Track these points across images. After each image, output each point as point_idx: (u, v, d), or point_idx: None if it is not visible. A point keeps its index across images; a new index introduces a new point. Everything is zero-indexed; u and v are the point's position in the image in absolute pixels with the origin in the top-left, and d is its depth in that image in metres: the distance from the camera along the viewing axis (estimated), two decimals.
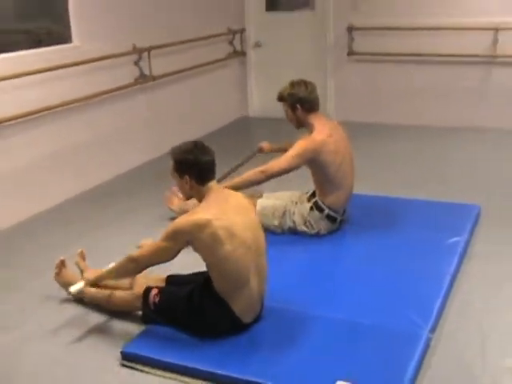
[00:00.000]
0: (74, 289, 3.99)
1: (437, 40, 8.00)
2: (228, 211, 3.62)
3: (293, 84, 4.97)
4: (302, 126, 5.00)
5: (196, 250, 3.65)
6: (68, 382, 3.48)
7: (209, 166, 3.69)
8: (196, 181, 3.65)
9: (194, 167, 3.64)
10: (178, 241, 3.61)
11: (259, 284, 3.74)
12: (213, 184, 3.71)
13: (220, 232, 3.52)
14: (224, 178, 5.46)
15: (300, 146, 4.87)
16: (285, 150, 5.26)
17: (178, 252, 3.68)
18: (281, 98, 4.98)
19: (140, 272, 3.85)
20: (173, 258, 3.70)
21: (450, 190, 6.03)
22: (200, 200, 3.70)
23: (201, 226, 3.52)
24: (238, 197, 3.84)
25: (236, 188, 4.53)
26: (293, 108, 4.93)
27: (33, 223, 5.59)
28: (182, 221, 3.61)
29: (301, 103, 4.90)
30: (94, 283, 4.15)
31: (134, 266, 3.77)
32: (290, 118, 5.00)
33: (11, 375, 3.55)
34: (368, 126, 7.95)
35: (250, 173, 4.87)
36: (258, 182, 4.89)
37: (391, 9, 8.13)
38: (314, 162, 4.88)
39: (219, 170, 3.84)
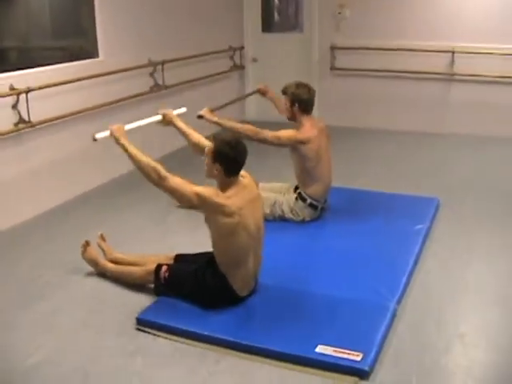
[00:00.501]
0: (98, 136, 3.78)
1: (405, 59, 8.00)
2: (247, 206, 3.57)
3: (298, 85, 4.94)
4: (294, 120, 4.96)
5: (208, 222, 3.61)
6: (93, 341, 3.49)
7: (241, 164, 3.61)
8: (224, 172, 3.56)
9: (229, 162, 3.55)
10: (200, 202, 3.50)
11: (255, 264, 3.74)
12: (236, 177, 3.63)
13: (237, 226, 3.51)
14: (220, 107, 5.51)
15: (291, 132, 4.85)
16: (275, 103, 5.40)
17: (191, 207, 3.63)
18: (284, 92, 4.94)
19: (153, 183, 3.60)
20: (184, 204, 3.69)
21: (415, 185, 6.04)
22: (221, 186, 3.61)
23: (225, 212, 3.48)
24: (253, 188, 3.76)
25: (227, 127, 4.66)
26: (291, 104, 4.90)
27: (62, 209, 5.57)
28: (216, 196, 3.50)
29: (299, 103, 4.88)
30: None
31: (154, 177, 3.55)
32: (287, 110, 4.96)
33: (48, 335, 3.56)
34: (346, 130, 7.94)
35: (246, 126, 4.78)
36: (246, 137, 4.68)
37: (368, 32, 8.12)
38: (296, 150, 4.88)
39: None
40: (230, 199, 3.52)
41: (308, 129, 4.88)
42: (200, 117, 4.83)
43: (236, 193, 3.57)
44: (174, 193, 3.56)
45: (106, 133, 3.75)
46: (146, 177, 3.60)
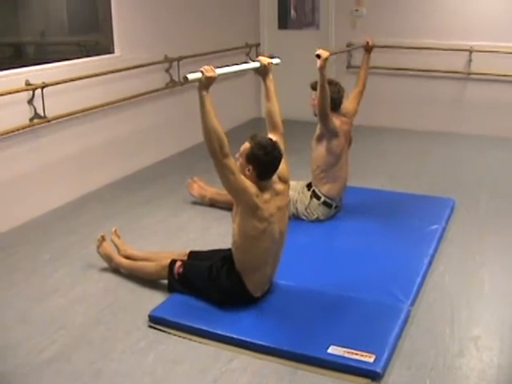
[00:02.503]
0: (191, 76, 3.39)
1: (422, 57, 7.97)
2: (276, 213, 3.56)
3: (330, 82, 4.87)
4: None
5: (235, 219, 3.56)
6: (106, 337, 3.51)
7: (274, 169, 3.57)
8: (256, 175, 3.51)
9: (262, 166, 3.50)
10: (242, 195, 3.43)
11: (272, 268, 3.74)
12: (268, 181, 3.57)
13: (263, 231, 3.50)
14: (338, 52, 5.91)
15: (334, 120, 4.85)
16: (364, 67, 5.61)
17: (230, 193, 3.51)
18: (314, 88, 4.85)
19: (209, 150, 3.35)
20: (227, 188, 3.47)
21: (430, 185, 6.00)
22: None
23: (257, 216, 3.47)
24: (286, 196, 3.72)
25: (321, 80, 4.57)
26: None
27: (76, 204, 5.59)
28: (256, 197, 3.44)
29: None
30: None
31: (216, 147, 3.33)
32: (314, 105, 4.89)
33: (61, 330, 3.57)
34: (361, 129, 7.85)
35: (329, 90, 4.69)
36: (326, 102, 4.66)
37: (385, 30, 8.08)
38: (324, 140, 4.88)
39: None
40: (266, 204, 3.50)
41: (338, 125, 4.90)
42: (318, 56, 4.64)
43: (270, 199, 3.55)
44: (226, 174, 3.39)
45: (198, 74, 3.40)
46: (207, 142, 3.36)
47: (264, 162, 3.50)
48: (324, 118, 4.77)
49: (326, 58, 4.64)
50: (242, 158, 3.54)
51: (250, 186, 3.47)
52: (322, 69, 4.60)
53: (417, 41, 7.92)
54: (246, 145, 3.55)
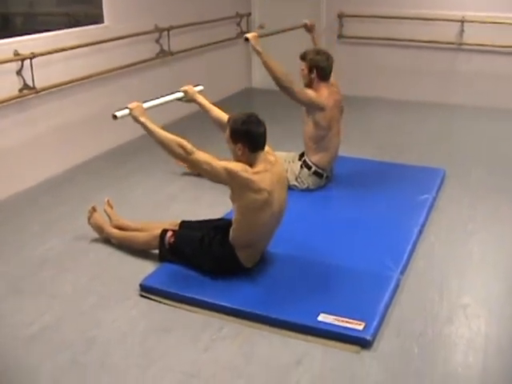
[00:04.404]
0: (119, 113, 3.60)
1: (414, 27, 7.93)
2: (275, 185, 3.54)
3: (318, 52, 4.90)
4: (310, 86, 4.90)
5: (233, 199, 3.57)
6: (97, 306, 3.53)
7: (260, 136, 3.55)
8: (248, 149, 3.51)
9: (247, 137, 3.50)
10: (229, 178, 3.42)
11: (266, 242, 3.76)
12: (262, 153, 3.57)
13: (264, 203, 3.48)
14: (267, 35, 5.60)
15: (312, 94, 4.83)
16: (314, 42, 5.42)
17: (218, 182, 3.54)
18: (303, 58, 4.88)
19: (177, 159, 3.58)
20: (211, 179, 3.56)
21: (421, 155, 6.01)
22: (249, 165, 3.52)
23: (253, 188, 3.44)
24: (280, 166, 3.74)
25: (263, 60, 4.71)
26: (309, 70, 4.85)
27: (67, 176, 5.58)
28: (245, 171, 3.43)
29: (317, 70, 4.84)
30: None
31: (181, 152, 3.43)
32: (303, 76, 4.90)
33: (52, 301, 3.58)
34: (351, 99, 7.84)
35: (280, 68, 4.69)
36: (275, 78, 4.69)
37: (377, 0, 8.04)
38: (311, 114, 4.87)
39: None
40: (259, 175, 3.47)
41: (325, 96, 4.87)
42: (246, 40, 4.75)
43: (264, 169, 3.52)
44: (202, 167, 3.46)
45: (126, 111, 3.62)
46: (170, 153, 3.49)
47: (245, 131, 3.50)
48: (285, 91, 4.76)
49: (255, 37, 4.76)
50: (230, 143, 3.56)
51: (233, 165, 3.46)
52: (254, 49, 4.73)
53: (409, 11, 7.87)
54: (227, 130, 3.58)
